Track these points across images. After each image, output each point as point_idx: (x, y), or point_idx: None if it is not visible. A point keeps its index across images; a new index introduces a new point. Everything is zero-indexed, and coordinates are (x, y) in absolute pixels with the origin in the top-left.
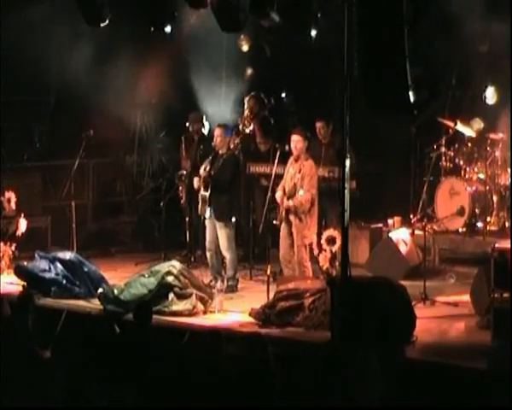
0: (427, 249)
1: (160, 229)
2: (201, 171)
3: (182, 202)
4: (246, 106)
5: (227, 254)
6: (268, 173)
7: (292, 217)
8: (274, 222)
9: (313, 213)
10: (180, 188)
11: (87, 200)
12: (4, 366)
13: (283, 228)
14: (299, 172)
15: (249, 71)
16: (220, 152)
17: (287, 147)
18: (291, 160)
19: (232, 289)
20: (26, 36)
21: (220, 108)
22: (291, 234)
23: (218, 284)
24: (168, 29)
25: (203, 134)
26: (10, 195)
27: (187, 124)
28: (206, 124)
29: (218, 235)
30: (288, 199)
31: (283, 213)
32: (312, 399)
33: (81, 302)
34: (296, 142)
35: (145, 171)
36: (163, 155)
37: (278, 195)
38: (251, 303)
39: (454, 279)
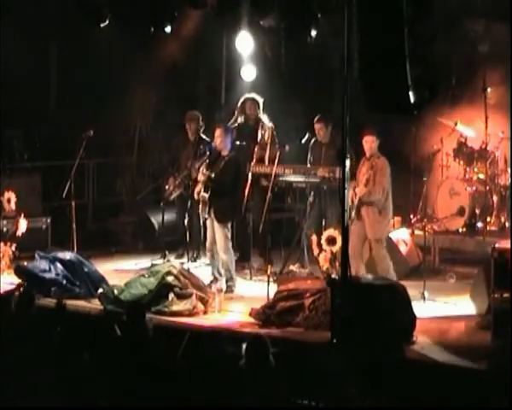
0: (427, 249)
1: (160, 229)
2: (200, 173)
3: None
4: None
5: (224, 256)
6: (268, 173)
7: (364, 212)
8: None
9: (386, 208)
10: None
11: (87, 200)
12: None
13: (355, 224)
14: (372, 168)
15: (249, 71)
16: (222, 154)
17: (287, 147)
18: (363, 159)
19: (231, 289)
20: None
21: (221, 108)
22: (361, 230)
23: (218, 283)
24: (168, 29)
25: (201, 134)
26: (10, 195)
27: (184, 123)
28: (202, 123)
29: (216, 236)
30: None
31: (354, 209)
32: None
33: (81, 302)
34: (370, 142)
35: (145, 171)
36: (163, 155)
37: (350, 193)
38: (251, 303)
39: (454, 279)
